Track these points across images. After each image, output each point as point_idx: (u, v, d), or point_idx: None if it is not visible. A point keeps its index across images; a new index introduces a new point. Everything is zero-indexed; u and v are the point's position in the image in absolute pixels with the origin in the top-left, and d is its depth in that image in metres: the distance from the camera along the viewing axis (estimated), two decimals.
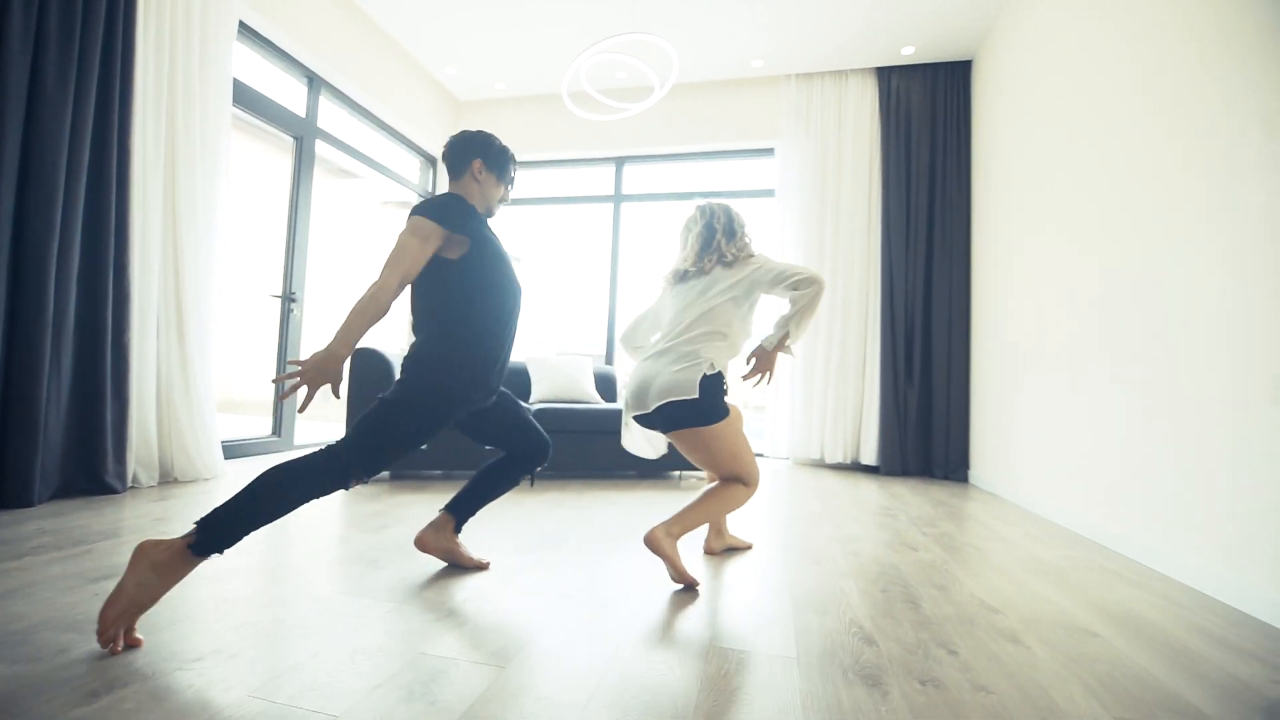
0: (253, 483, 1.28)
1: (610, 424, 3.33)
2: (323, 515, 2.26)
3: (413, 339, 1.60)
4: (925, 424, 4.11)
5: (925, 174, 4.24)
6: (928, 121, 4.28)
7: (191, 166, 2.78)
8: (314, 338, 5.11)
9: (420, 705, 1.02)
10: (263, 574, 1.61)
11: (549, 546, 2.00)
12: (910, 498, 3.26)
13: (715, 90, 4.74)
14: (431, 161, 5.27)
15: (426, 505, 2.52)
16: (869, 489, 3.47)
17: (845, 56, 4.30)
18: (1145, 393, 2.19)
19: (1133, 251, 2.30)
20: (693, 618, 1.47)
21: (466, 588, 1.59)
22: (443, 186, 5.29)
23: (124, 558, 1.66)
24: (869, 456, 4.13)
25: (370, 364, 2.97)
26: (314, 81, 3.86)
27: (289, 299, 3.71)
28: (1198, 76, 1.98)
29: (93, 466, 2.35)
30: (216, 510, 1.24)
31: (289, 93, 3.74)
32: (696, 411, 1.72)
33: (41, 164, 2.18)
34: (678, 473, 3.61)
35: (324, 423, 5.86)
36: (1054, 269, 2.92)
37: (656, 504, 2.77)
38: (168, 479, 2.71)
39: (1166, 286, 2.10)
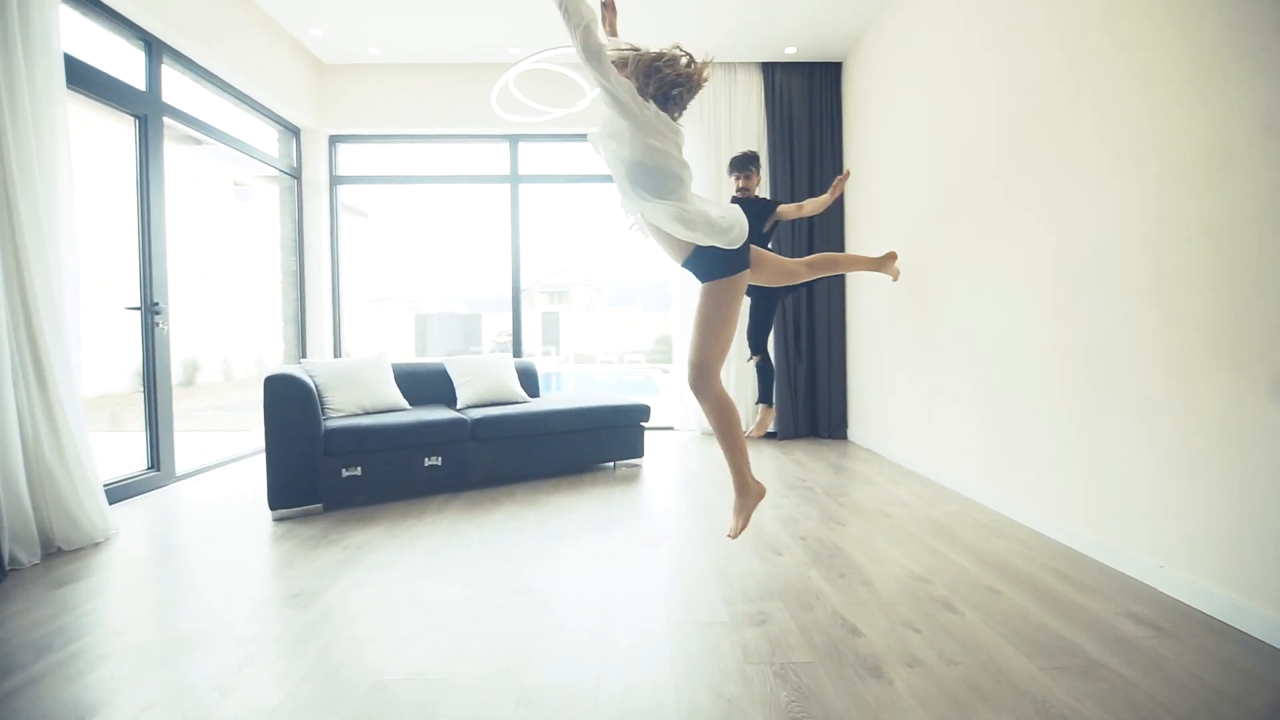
0: None
1: (549, 425, 3.38)
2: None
3: None
4: (811, 393, 4.69)
5: (805, 160, 4.66)
6: (806, 112, 4.66)
7: (29, 172, 2.25)
8: (184, 352, 4.41)
9: None
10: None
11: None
12: (811, 464, 3.78)
13: None
14: (294, 131, 4.64)
15: (388, 544, 2.46)
16: (783, 459, 3.94)
17: (735, 51, 4.49)
18: (992, 371, 2.77)
19: (975, 232, 2.84)
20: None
21: None
22: (310, 158, 4.72)
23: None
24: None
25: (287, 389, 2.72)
26: (153, 47, 3.21)
27: (151, 310, 3.18)
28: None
29: None
30: None
31: (122, 61, 3.08)
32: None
33: None
34: (612, 463, 3.80)
35: (200, 435, 5.04)
36: (912, 249, 3.46)
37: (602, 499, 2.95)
38: (50, 551, 2.31)
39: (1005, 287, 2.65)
